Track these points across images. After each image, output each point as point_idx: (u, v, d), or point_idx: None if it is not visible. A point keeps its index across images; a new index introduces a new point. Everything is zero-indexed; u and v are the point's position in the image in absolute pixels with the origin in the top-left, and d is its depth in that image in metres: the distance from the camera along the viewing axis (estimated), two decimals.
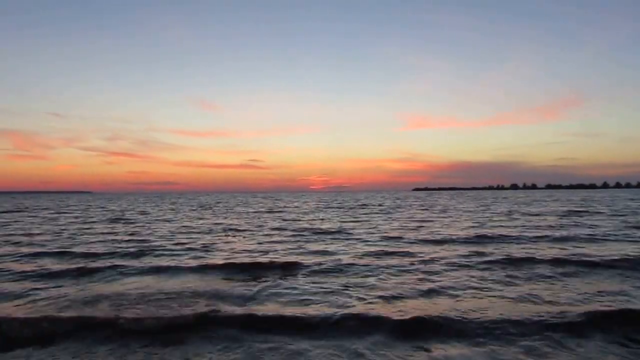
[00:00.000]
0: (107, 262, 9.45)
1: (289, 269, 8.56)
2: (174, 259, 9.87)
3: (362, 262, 9.20)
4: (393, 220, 21.38)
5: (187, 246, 11.98)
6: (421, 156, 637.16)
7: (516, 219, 20.94)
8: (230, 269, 8.59)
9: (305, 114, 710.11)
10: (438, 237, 13.41)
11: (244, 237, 14.50)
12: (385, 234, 14.55)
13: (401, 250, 10.89)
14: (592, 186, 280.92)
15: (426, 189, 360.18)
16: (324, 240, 13.17)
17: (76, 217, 25.99)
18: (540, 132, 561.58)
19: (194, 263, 9.25)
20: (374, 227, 17.35)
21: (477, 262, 9.00)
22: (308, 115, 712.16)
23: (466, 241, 12.50)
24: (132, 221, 22.39)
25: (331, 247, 11.53)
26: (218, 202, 55.35)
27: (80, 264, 9.30)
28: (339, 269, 8.47)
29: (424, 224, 18.57)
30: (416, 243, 12.27)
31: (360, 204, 45.77)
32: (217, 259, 9.78)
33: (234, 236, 14.75)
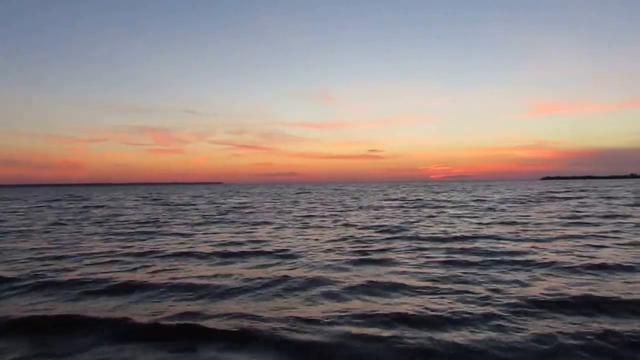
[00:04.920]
0: None
1: None
2: None
3: None
4: None
5: None
6: (549, 143, 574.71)
7: None
8: None
9: (423, 103, 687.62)
10: None
11: None
12: None
13: None
14: None
15: (557, 178, 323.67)
16: None
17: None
18: None
19: None
20: None
21: None
22: (426, 103, 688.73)
23: None
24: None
25: None
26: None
27: None
28: None
29: None
30: None
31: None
32: None
33: None
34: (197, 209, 27.62)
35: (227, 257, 9.95)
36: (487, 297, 6.15)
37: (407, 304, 5.93)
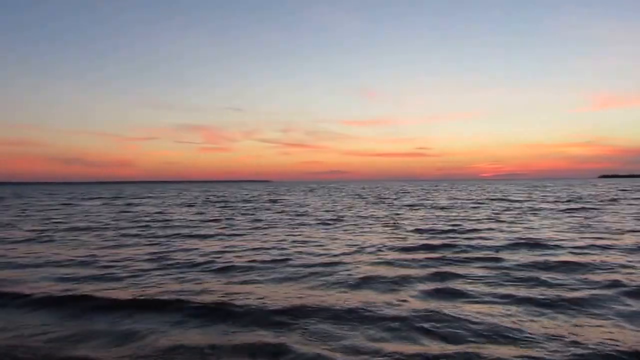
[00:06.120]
0: None
1: None
2: None
3: None
4: None
5: None
6: (609, 140, 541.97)
7: None
8: None
9: (472, 98, 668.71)
10: None
11: None
12: None
13: None
14: None
15: (614, 176, 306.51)
16: None
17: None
18: None
19: None
20: None
21: None
22: (476, 98, 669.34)
23: None
24: None
25: None
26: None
27: None
28: None
29: None
30: None
31: None
32: None
33: None
34: (244, 208, 27.29)
35: (271, 265, 9.03)
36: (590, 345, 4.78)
37: (490, 349, 4.67)
